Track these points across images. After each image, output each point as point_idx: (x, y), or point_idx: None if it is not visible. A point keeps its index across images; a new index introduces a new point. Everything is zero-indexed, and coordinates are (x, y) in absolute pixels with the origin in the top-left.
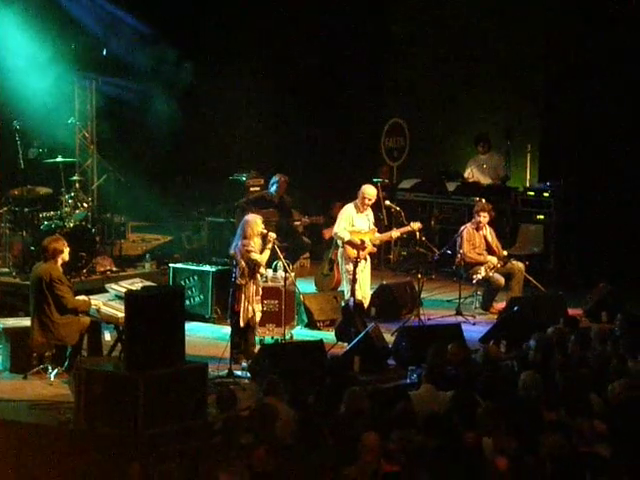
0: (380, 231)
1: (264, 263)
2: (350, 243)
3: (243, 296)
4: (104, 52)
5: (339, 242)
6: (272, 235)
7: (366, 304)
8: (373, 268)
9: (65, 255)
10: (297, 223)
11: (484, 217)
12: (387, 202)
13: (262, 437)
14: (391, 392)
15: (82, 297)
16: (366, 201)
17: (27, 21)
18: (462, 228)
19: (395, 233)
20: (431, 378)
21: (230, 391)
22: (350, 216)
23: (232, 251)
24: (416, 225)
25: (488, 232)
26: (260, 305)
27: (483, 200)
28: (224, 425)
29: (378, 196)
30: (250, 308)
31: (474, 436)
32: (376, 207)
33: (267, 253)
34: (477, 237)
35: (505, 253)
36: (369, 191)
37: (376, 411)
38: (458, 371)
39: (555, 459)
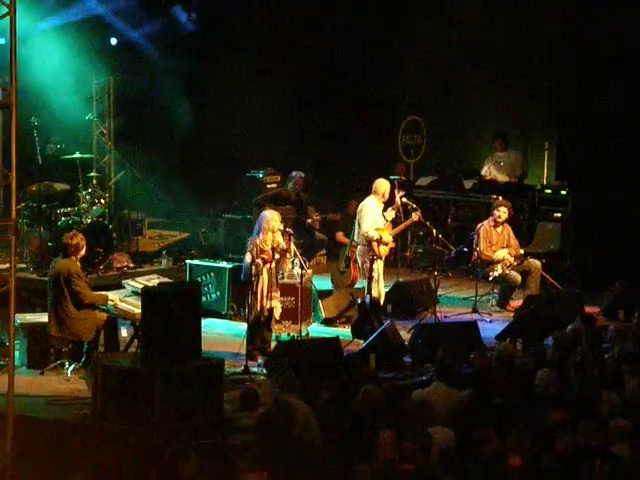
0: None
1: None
2: (378, 241)
3: (251, 292)
4: (113, 42)
5: (372, 240)
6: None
7: (381, 301)
8: (390, 265)
9: (83, 251)
10: (309, 221)
11: (503, 212)
12: (404, 199)
13: (284, 435)
14: (407, 389)
15: (98, 292)
16: (383, 193)
17: (51, 18)
18: (479, 226)
19: (401, 226)
20: (441, 376)
21: (253, 390)
22: (374, 213)
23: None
24: (415, 216)
25: (506, 229)
26: (278, 302)
27: (500, 197)
28: (259, 424)
29: (392, 193)
30: (258, 305)
31: (489, 434)
32: (389, 204)
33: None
34: (495, 234)
35: (522, 251)
36: (385, 185)
37: (392, 408)
38: (472, 369)
39: (569, 457)
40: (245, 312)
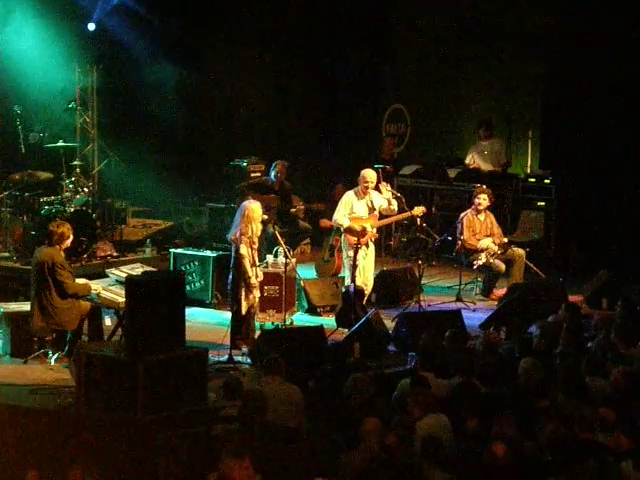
0: (381, 217)
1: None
2: (350, 230)
3: (243, 283)
4: (90, 27)
5: (340, 229)
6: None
7: (368, 291)
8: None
9: (69, 242)
10: (293, 210)
11: (484, 199)
12: (388, 188)
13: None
14: (392, 378)
15: (82, 280)
16: (367, 184)
17: (30, 5)
18: (462, 215)
19: (394, 218)
20: (425, 367)
21: (236, 379)
22: (350, 203)
23: (232, 236)
24: (418, 210)
25: (489, 217)
26: (258, 291)
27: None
28: (241, 413)
29: (378, 181)
30: (250, 295)
31: (476, 423)
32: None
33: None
34: (477, 223)
35: (506, 240)
36: (369, 174)
37: (377, 396)
38: (458, 358)
39: (555, 446)
40: (230, 303)
